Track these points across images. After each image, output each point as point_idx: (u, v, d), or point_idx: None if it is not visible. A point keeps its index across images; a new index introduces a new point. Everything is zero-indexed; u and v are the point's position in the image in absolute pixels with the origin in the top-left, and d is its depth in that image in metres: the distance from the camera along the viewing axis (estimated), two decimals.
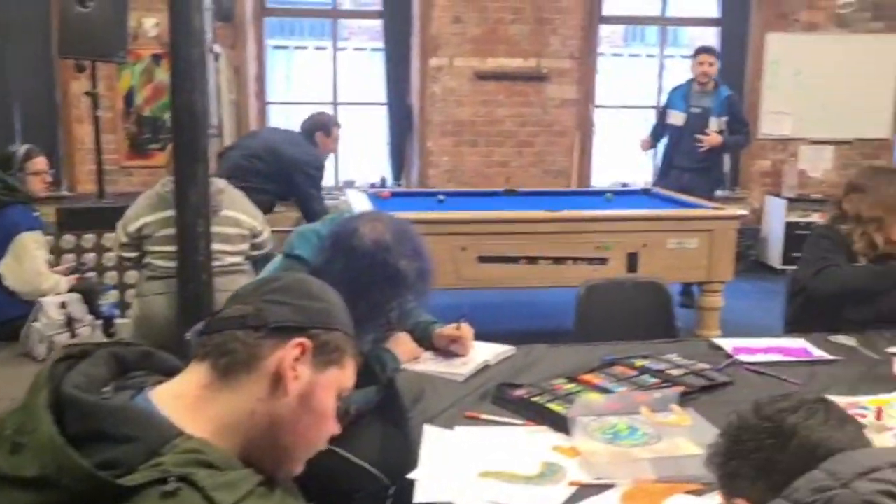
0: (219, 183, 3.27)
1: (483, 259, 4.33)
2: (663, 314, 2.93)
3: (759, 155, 6.98)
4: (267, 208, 4.34)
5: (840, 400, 1.98)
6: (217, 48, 5.89)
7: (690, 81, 5.65)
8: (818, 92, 6.77)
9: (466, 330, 2.27)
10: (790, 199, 6.65)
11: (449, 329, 2.28)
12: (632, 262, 4.40)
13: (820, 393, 2.04)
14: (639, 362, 2.21)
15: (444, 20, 6.36)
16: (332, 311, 1.15)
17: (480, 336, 2.42)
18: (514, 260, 4.38)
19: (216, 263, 3.12)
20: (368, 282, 1.94)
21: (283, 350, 1.08)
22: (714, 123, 5.52)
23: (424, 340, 2.30)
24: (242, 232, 3.24)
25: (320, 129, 4.65)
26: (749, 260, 6.75)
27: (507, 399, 1.96)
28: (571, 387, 2.03)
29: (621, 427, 1.67)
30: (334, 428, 1.16)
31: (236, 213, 3.23)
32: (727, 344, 2.42)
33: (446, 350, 2.27)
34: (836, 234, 2.80)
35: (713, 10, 6.92)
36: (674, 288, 5.34)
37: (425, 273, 2.02)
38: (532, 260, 4.37)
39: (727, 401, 2.00)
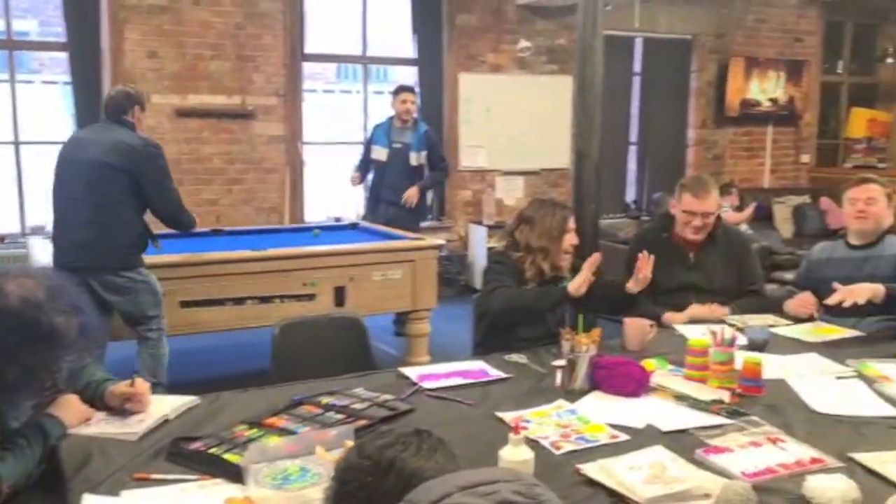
0: None
1: (185, 304, 4.15)
2: (360, 348, 2.99)
3: (461, 186, 7.45)
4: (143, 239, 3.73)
5: (507, 415, 2.15)
6: None
7: (391, 118, 5.90)
8: (507, 127, 7.39)
9: (141, 385, 2.14)
10: (490, 227, 7.15)
11: (122, 386, 2.13)
12: (339, 296, 4.47)
13: (491, 409, 2.22)
14: (325, 399, 2.23)
15: (137, 55, 6.06)
16: None
17: (175, 387, 2.31)
18: (220, 302, 4.26)
19: None
20: (18, 344, 1.76)
21: None
22: (414, 158, 5.81)
23: (97, 400, 2.13)
24: None
25: (136, 103, 3.78)
26: (458, 285, 7.16)
27: (182, 454, 1.88)
28: (253, 432, 1.99)
29: (292, 470, 1.67)
30: None
31: None
32: (413, 372, 2.52)
33: (121, 409, 2.12)
34: (508, 260, 3.06)
35: (411, 51, 7.29)
36: (386, 319, 5.55)
37: (87, 329, 1.88)
38: (238, 301, 4.27)
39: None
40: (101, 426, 2.05)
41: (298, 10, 6.59)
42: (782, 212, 8.29)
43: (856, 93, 9.47)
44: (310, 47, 6.83)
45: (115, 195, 3.62)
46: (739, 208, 7.71)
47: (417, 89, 7.06)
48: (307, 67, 7.00)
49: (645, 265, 3.05)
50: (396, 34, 7.54)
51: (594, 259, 2.95)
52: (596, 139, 3.72)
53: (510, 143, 7.47)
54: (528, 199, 7.44)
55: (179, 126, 6.22)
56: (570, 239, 3.07)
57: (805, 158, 8.99)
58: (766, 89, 8.44)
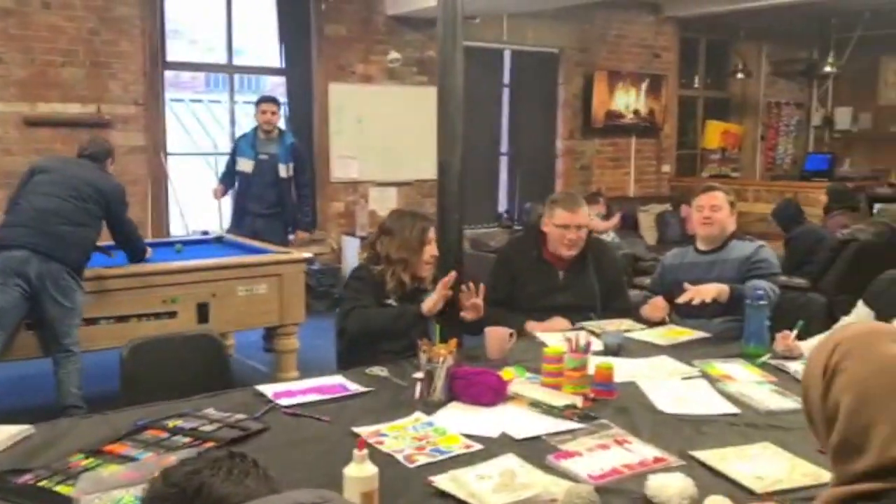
0: None
1: (31, 325, 3.90)
2: (218, 366, 2.88)
3: (334, 197, 7.38)
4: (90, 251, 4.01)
5: (363, 430, 2.12)
6: None
7: (256, 129, 5.78)
8: (379, 138, 7.37)
9: None
10: (363, 238, 7.10)
11: None
12: (202, 312, 4.31)
13: (348, 425, 2.18)
14: (172, 422, 2.13)
15: None
16: None
17: (9, 415, 2.16)
18: None
19: None
20: None
21: None
22: (283, 169, 5.71)
23: None
24: None
25: (110, 155, 4.32)
26: (332, 298, 7.06)
27: (9, 489, 1.74)
28: (90, 461, 1.87)
29: (127, 500, 1.57)
30: None
31: None
32: (269, 390, 2.45)
33: None
34: (369, 274, 3.02)
35: (278, 61, 7.16)
36: (256, 334, 5.41)
37: None
38: (91, 321, 4.04)
39: (261, 448, 2.02)
40: None
41: (158, 17, 6.35)
42: (646, 219, 8.65)
43: (710, 106, 10.05)
44: (174, 55, 6.60)
45: (92, 211, 3.97)
46: (607, 217, 8.00)
47: (286, 99, 6.97)
48: (173, 76, 6.76)
49: (471, 296, 3.01)
50: (265, 43, 7.40)
51: (448, 278, 2.90)
52: (458, 150, 3.76)
53: (383, 154, 7.45)
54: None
55: (29, 136, 5.86)
56: (431, 250, 3.05)
57: (666, 168, 9.43)
58: (629, 102, 8.81)
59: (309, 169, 6.21)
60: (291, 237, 5.97)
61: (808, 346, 2.81)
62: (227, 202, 6.25)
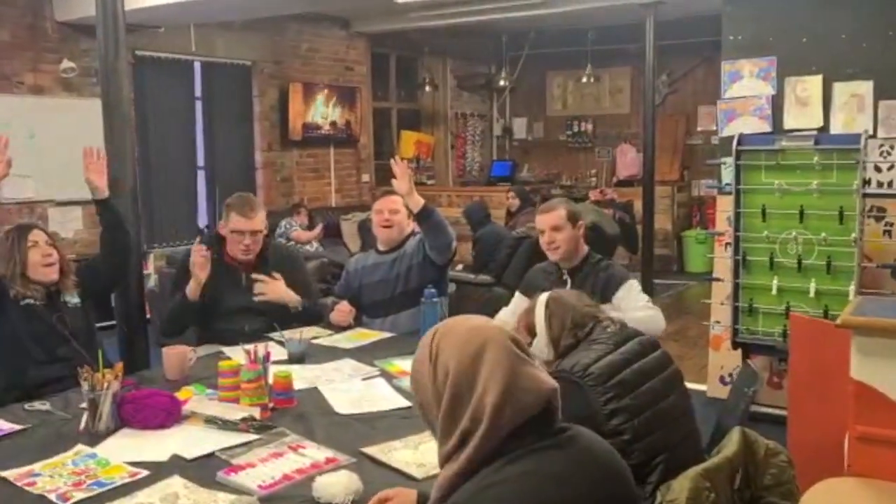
0: None
1: None
2: None
3: (6, 220, 6.63)
4: None
5: (12, 473, 1.94)
6: None
7: None
8: (58, 153, 6.75)
9: None
10: None
11: None
12: None
13: None
14: None
15: None
16: None
17: None
18: None
19: None
20: None
21: None
22: None
23: None
24: None
25: None
26: None
27: None
28: None
29: None
30: None
31: None
32: None
33: None
34: None
35: None
36: None
37: None
38: None
39: None
40: None
41: None
42: (349, 228, 8.86)
43: (404, 117, 10.54)
44: None
45: None
46: (310, 227, 8.08)
47: None
48: None
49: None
50: None
51: None
52: (129, 165, 3.59)
53: (63, 171, 6.81)
54: (90, 229, 6.94)
55: None
56: (41, 251, 2.98)
57: (366, 177, 9.72)
58: (325, 113, 8.95)
59: None
60: None
61: None
62: None
